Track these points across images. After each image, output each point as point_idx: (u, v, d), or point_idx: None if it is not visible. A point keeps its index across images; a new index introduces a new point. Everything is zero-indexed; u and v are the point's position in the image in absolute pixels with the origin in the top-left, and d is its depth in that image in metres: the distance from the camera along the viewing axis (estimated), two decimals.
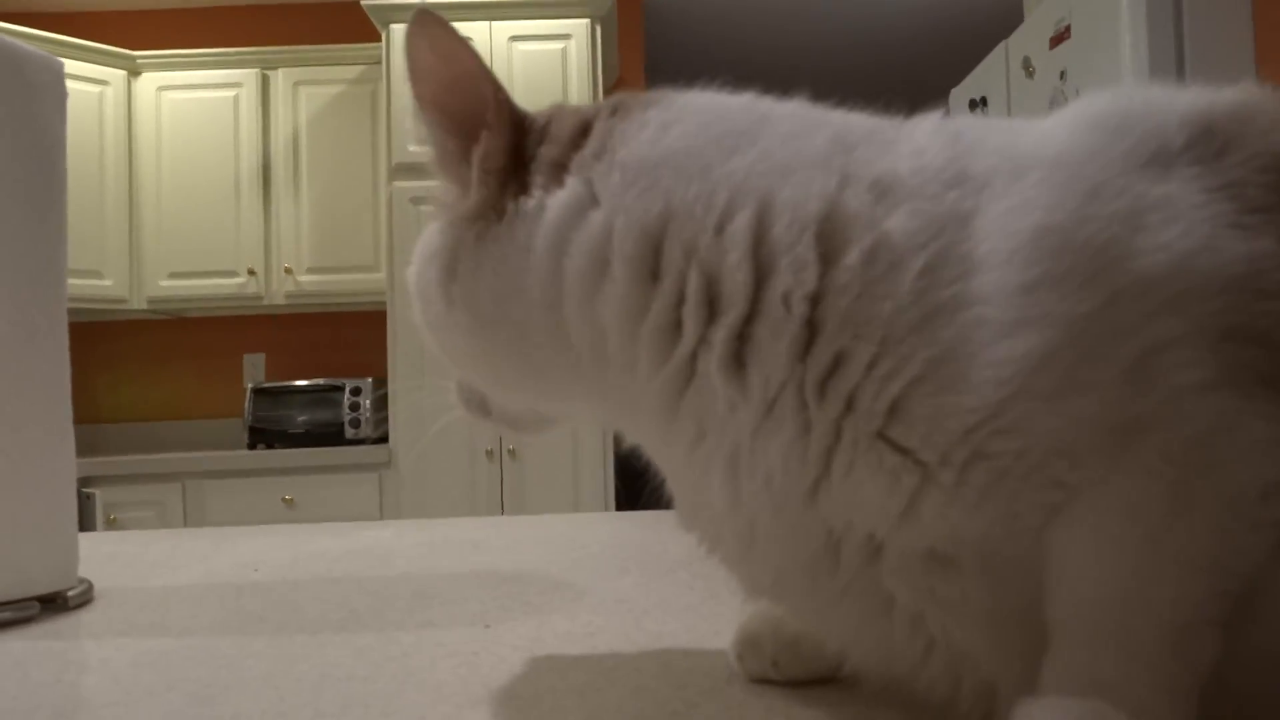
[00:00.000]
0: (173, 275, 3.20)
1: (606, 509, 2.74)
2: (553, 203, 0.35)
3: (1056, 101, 2.05)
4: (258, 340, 3.49)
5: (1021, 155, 0.32)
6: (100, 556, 0.80)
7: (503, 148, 0.36)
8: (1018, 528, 0.29)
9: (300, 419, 3.14)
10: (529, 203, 0.35)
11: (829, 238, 0.31)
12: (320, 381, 3.19)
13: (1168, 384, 0.28)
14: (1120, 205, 0.29)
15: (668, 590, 0.61)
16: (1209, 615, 0.28)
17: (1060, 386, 0.28)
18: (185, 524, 2.86)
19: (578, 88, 2.89)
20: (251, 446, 3.11)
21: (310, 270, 3.21)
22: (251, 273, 3.20)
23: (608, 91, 3.04)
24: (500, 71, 2.96)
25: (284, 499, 2.87)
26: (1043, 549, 0.30)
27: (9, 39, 0.61)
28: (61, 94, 0.65)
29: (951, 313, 0.29)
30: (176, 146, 3.22)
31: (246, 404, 3.18)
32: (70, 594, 0.62)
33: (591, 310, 0.34)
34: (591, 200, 0.34)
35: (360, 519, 2.85)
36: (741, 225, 0.32)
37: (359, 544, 0.85)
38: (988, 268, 0.29)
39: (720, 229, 0.32)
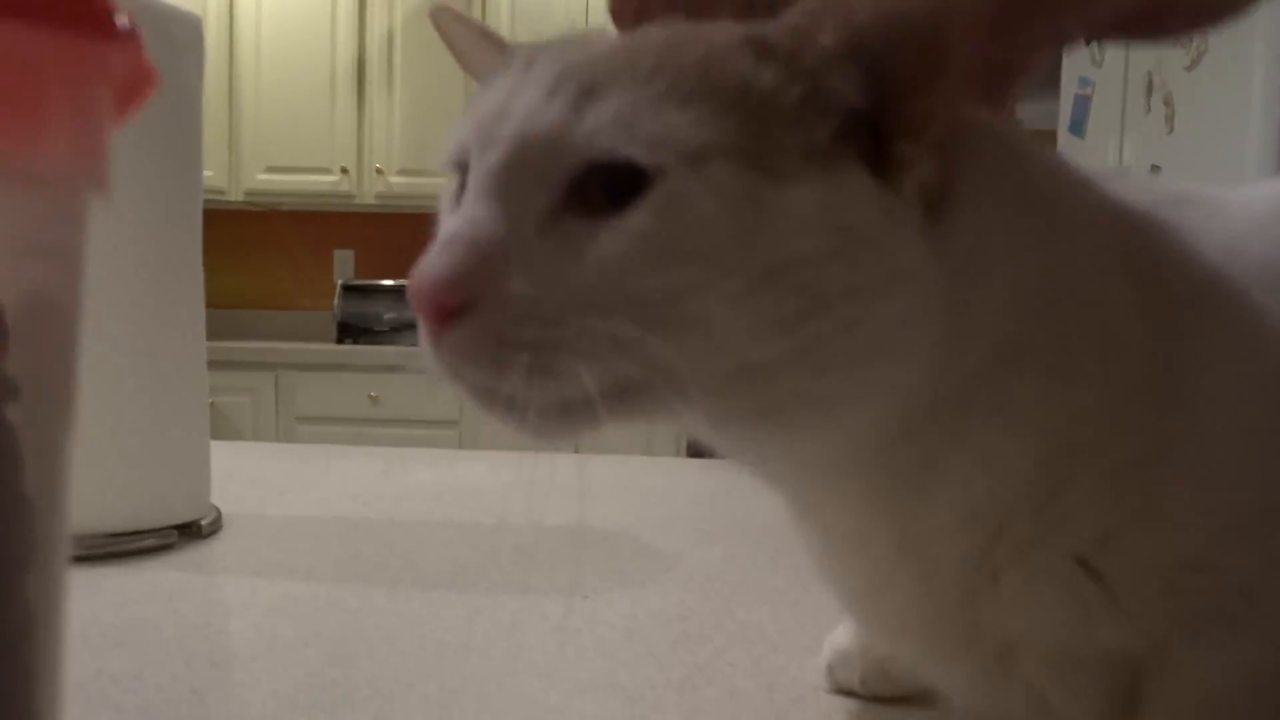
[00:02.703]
0: (269, 169, 3.28)
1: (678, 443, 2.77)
2: None
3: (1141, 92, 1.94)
4: (348, 237, 3.57)
5: (1248, 265, 0.30)
6: (219, 474, 0.85)
7: None
8: (1159, 642, 0.30)
9: (387, 317, 3.24)
10: None
11: (1108, 345, 0.29)
12: (406, 282, 3.27)
13: None
14: None
15: (755, 567, 0.63)
16: None
17: (1264, 532, 0.29)
18: (277, 413, 3.01)
19: None
20: (339, 341, 3.23)
21: (401, 171, 3.26)
22: (344, 171, 3.27)
23: None
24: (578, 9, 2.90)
25: (370, 395, 2.99)
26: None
27: None
28: (200, 49, 0.67)
29: (1176, 446, 0.29)
30: (275, 40, 3.26)
31: (336, 299, 3.28)
32: (204, 523, 0.67)
33: None
34: None
35: (439, 422, 2.96)
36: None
37: (454, 479, 0.90)
38: (1214, 401, 0.29)
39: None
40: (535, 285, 0.25)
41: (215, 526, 0.69)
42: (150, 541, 0.63)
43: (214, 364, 0.73)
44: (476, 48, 0.34)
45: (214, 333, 0.73)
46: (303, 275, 3.60)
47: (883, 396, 0.27)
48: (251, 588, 0.57)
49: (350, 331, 3.25)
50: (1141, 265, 0.30)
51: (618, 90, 0.24)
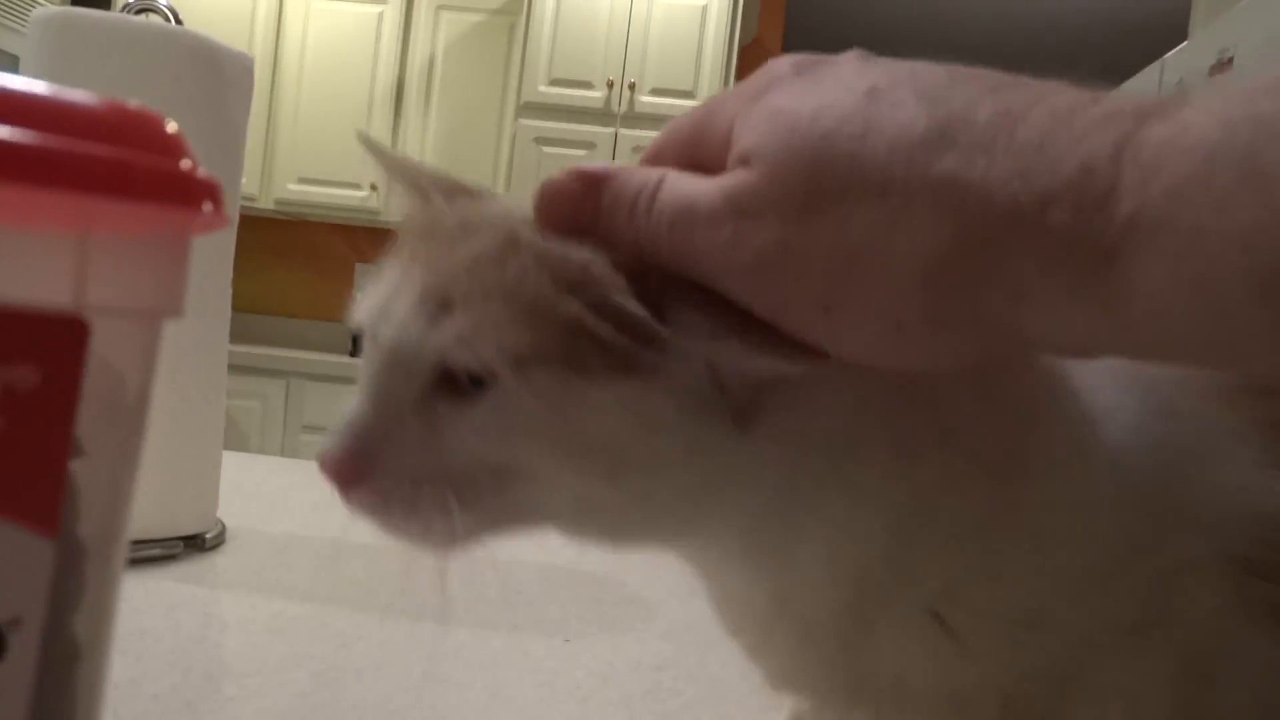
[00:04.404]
0: (301, 180, 3.35)
1: None
2: None
3: None
4: (370, 252, 3.61)
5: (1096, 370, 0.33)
6: (225, 485, 0.88)
7: None
8: (1037, 688, 0.33)
9: None
10: None
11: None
12: None
13: (1188, 599, 0.31)
14: (1189, 438, 0.32)
15: None
16: None
17: (1096, 592, 0.31)
18: (285, 420, 3.04)
19: (713, 48, 2.87)
20: (353, 354, 3.27)
21: None
22: (373, 188, 3.32)
23: (742, 52, 3.02)
24: (636, 29, 2.98)
25: None
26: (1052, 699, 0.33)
27: (209, 37, 0.67)
28: (249, 86, 0.71)
29: (1011, 511, 0.32)
30: (319, 57, 3.34)
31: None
32: (208, 536, 0.70)
33: None
34: None
35: None
36: None
37: None
38: (1046, 472, 0.32)
39: None
40: (409, 459, 0.32)
41: (219, 540, 0.71)
42: (156, 551, 0.66)
43: (228, 368, 0.76)
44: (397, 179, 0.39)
45: (231, 336, 0.76)
46: (323, 286, 3.65)
47: (713, 524, 0.33)
48: (250, 604, 0.59)
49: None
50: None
51: (462, 309, 0.30)
